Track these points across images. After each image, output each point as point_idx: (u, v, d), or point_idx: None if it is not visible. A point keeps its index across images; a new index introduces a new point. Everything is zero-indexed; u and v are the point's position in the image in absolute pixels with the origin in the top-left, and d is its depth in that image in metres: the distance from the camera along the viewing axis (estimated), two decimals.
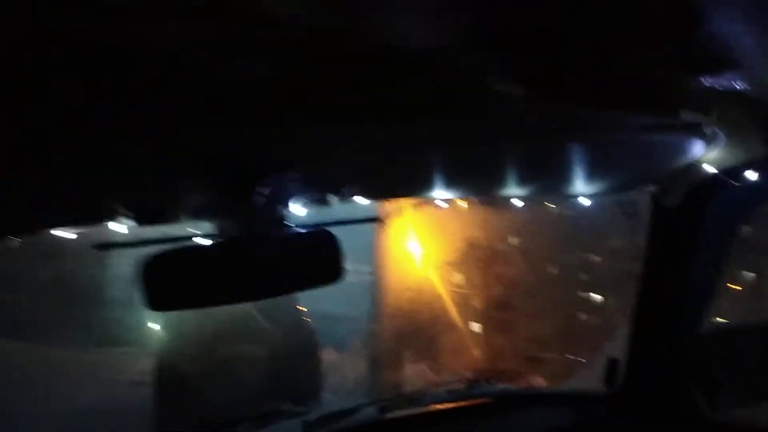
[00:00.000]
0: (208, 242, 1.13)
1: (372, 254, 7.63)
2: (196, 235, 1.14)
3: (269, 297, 1.18)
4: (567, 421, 1.73)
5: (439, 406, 1.81)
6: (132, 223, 1.07)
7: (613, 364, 1.71)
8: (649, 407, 1.66)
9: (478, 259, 6.75)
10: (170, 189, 1.05)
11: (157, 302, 1.11)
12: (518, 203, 1.54)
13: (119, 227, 1.09)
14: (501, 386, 2.01)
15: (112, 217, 1.05)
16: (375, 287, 7.81)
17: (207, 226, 1.15)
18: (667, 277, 1.54)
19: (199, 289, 1.14)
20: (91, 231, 1.13)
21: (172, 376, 6.61)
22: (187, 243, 1.12)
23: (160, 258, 1.09)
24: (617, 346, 1.75)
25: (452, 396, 1.84)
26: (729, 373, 1.56)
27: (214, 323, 6.97)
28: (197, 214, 1.12)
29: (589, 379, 1.82)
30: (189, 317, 6.93)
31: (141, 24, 0.60)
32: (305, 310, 7.65)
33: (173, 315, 7.22)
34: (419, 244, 6.82)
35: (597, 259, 6.50)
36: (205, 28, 0.63)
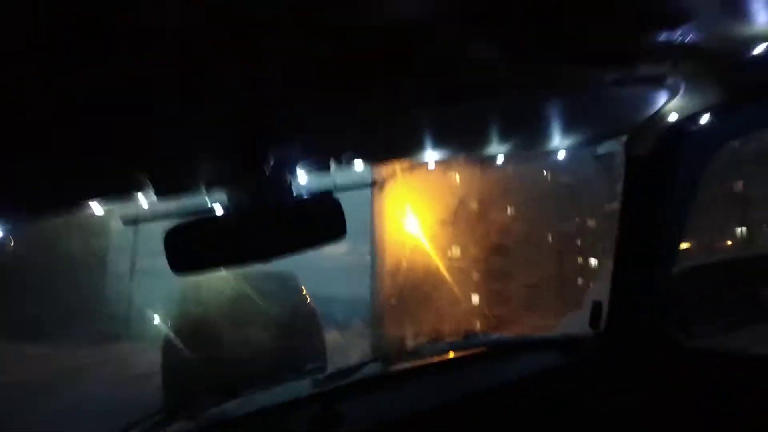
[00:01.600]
0: (222, 213, 1.25)
1: (370, 225, 7.89)
2: (212, 208, 1.26)
3: (279, 258, 1.30)
4: (556, 363, 1.87)
5: (438, 358, 1.95)
6: (153, 197, 1.18)
7: (597, 306, 1.84)
8: (631, 343, 1.79)
9: (467, 217, 7.17)
10: (188, 162, 1.15)
11: (179, 266, 1.23)
12: (503, 164, 1.65)
13: (142, 202, 1.20)
14: (495, 336, 2.15)
15: (135, 191, 1.16)
16: (374, 257, 8.11)
17: (222, 198, 1.27)
18: (642, 222, 1.67)
19: (215, 254, 1.26)
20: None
21: (180, 360, 6.75)
22: (204, 215, 1.24)
23: (181, 227, 1.21)
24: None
25: (450, 347, 1.97)
26: (701, 305, 1.71)
27: (217, 308, 7.11)
28: (212, 186, 1.23)
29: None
30: (193, 303, 7.06)
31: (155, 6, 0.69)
32: (305, 293, 7.83)
33: (177, 304, 7.33)
34: (413, 206, 7.24)
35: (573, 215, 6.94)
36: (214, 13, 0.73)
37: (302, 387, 1.81)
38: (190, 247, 1.23)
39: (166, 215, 1.23)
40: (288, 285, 7.81)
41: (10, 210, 1.07)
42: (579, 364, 1.86)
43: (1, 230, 1.10)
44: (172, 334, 7.27)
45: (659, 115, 1.41)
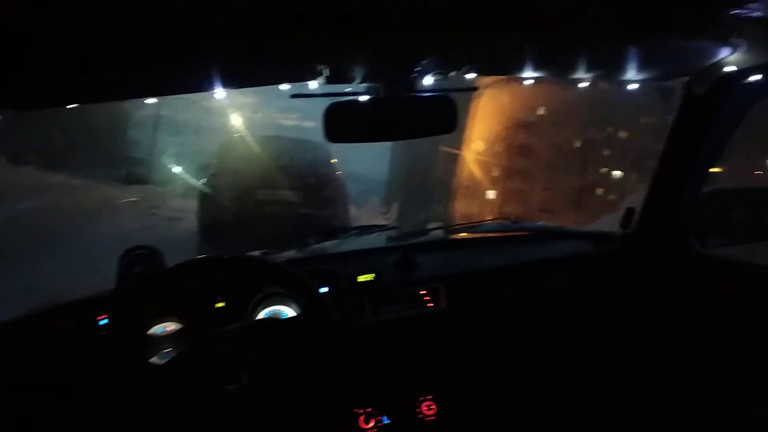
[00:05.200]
0: (366, 98, 1.61)
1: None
2: (359, 93, 1.62)
3: (406, 138, 1.67)
4: (589, 251, 2.29)
5: (491, 234, 2.39)
6: (323, 81, 1.55)
7: (629, 211, 2.23)
8: (653, 245, 2.19)
9: (543, 122, 8.19)
10: (355, 60, 1.50)
11: (332, 136, 1.62)
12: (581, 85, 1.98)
13: (313, 84, 1.56)
14: (539, 223, 2.59)
15: (313, 77, 1.53)
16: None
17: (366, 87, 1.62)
18: (684, 149, 2.00)
19: (359, 129, 1.64)
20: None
21: (216, 211, 7.39)
22: (353, 97, 1.60)
23: (337, 105, 1.58)
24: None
25: (502, 227, 2.40)
26: (718, 221, 2.09)
27: (252, 167, 7.61)
28: (366, 79, 1.58)
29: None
30: (236, 168, 7.57)
31: None
32: (335, 163, 8.37)
33: (224, 168, 7.82)
34: (503, 111, 8.42)
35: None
36: None
37: (377, 240, 2.28)
38: (341, 121, 1.62)
39: (324, 94, 1.60)
40: (320, 154, 8.30)
41: (231, 80, 1.44)
42: (608, 254, 2.27)
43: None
44: (209, 187, 7.87)
45: (718, 65, 1.71)
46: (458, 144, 9.48)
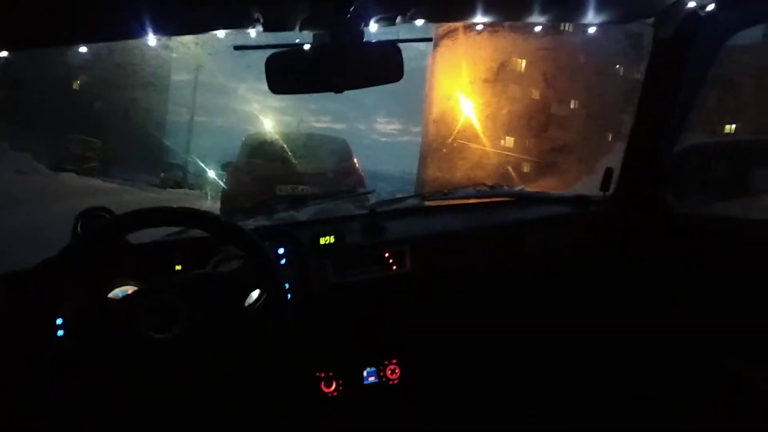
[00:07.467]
0: (309, 48, 1.59)
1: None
2: (301, 43, 1.59)
3: (349, 89, 1.64)
4: (569, 214, 2.21)
5: (468, 200, 2.33)
6: (260, 29, 1.53)
7: (609, 172, 2.13)
8: (632, 206, 2.10)
9: (506, 78, 8.26)
10: (290, 4, 1.47)
11: (275, 87, 1.60)
12: (539, 31, 1.90)
13: (252, 33, 1.55)
14: (518, 188, 2.52)
15: (249, 24, 1.51)
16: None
17: (309, 36, 1.60)
18: (659, 98, 1.91)
19: (303, 79, 1.62)
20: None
21: (233, 209, 7.54)
22: (294, 47, 1.58)
23: (278, 55, 1.57)
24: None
25: (479, 193, 2.34)
26: (696, 179, 1.99)
27: (273, 161, 7.75)
28: (305, 26, 1.55)
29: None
30: (256, 163, 7.73)
31: None
32: (355, 159, 8.45)
33: (244, 163, 8.01)
34: (461, 63, 8.55)
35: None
36: None
37: (354, 206, 2.25)
38: (284, 71, 1.60)
39: (266, 45, 1.58)
40: (340, 148, 8.40)
41: (155, 27, 1.43)
42: (588, 217, 2.18)
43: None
44: (230, 183, 8.06)
45: (682, 2, 1.62)
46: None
